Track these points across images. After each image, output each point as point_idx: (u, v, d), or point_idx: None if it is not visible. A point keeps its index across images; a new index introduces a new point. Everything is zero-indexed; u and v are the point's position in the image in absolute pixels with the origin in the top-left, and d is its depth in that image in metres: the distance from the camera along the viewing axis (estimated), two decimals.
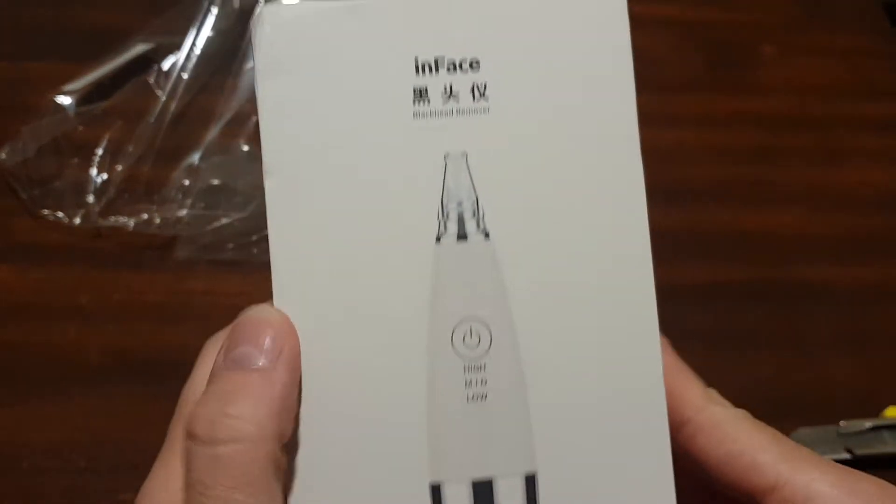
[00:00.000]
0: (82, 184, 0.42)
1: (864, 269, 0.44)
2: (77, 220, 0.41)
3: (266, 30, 0.20)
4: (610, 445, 0.19)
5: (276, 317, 0.19)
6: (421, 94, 0.20)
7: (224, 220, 0.41)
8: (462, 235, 0.19)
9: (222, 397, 0.18)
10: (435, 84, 0.20)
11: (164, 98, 0.44)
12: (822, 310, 0.42)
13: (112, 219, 0.41)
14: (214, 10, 0.46)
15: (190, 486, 0.17)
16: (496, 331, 0.19)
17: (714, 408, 0.21)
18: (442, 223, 0.19)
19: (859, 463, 0.37)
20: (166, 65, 0.45)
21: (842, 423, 0.38)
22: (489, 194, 0.20)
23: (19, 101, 0.44)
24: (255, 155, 0.43)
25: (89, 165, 0.42)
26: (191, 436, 0.18)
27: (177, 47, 0.46)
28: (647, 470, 0.19)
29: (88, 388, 0.38)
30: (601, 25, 0.21)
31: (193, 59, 0.45)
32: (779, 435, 0.21)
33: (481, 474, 0.19)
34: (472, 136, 0.20)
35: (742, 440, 0.20)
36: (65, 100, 0.44)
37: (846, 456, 0.37)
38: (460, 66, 0.20)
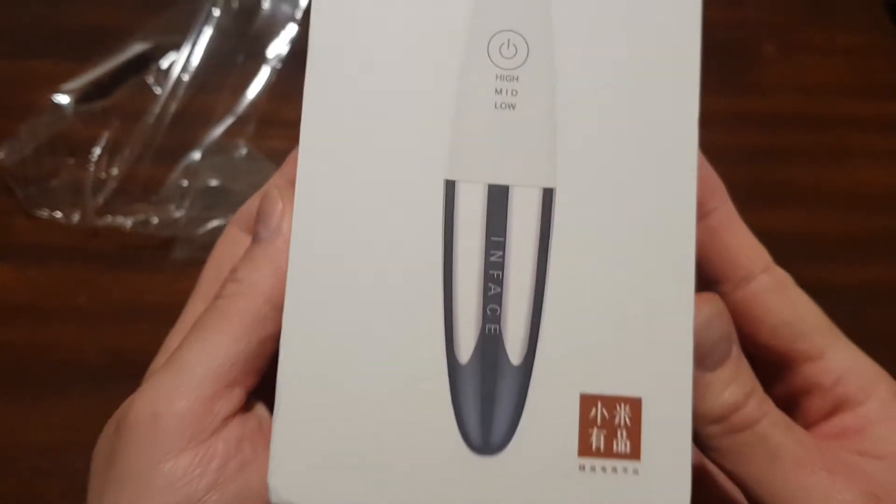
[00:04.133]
0: (80, 183, 0.42)
1: (865, 269, 0.44)
2: (74, 220, 0.41)
3: None
4: (636, 173, 0.19)
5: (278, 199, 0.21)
6: None
7: (222, 221, 0.41)
8: None
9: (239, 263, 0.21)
10: None
11: (162, 98, 0.44)
12: (823, 309, 0.42)
13: (109, 218, 0.41)
14: (214, 10, 0.46)
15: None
16: (534, 46, 0.19)
17: (762, 277, 0.24)
18: None
19: None
20: (165, 64, 0.45)
21: None
22: None
23: (17, 99, 0.44)
24: (254, 155, 0.43)
25: (87, 165, 0.42)
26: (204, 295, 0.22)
27: (176, 47, 0.45)
28: (671, 196, 0.19)
29: (86, 388, 0.38)
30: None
31: (193, 59, 0.45)
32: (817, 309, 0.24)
33: (498, 180, 0.19)
34: None
35: (787, 311, 0.24)
36: (63, 99, 0.43)
37: None
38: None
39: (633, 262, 0.19)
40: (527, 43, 0.19)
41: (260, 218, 0.21)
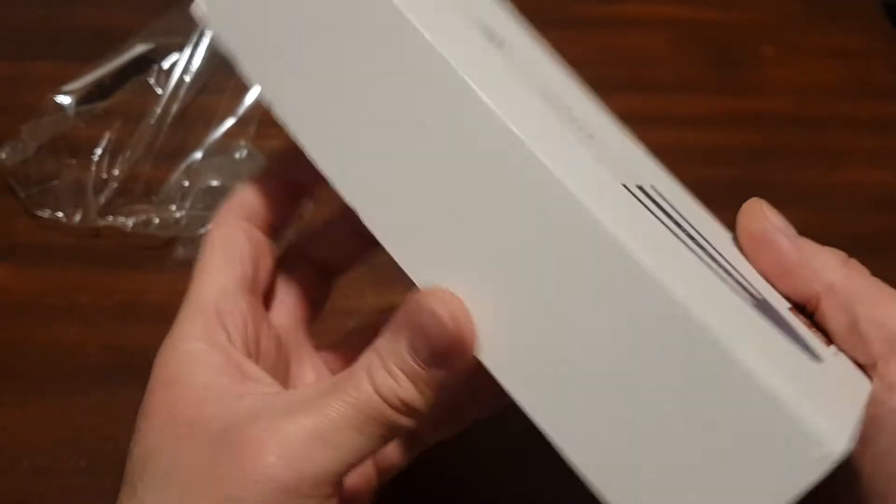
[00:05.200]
0: (82, 183, 0.42)
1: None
2: (76, 220, 0.41)
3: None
4: None
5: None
6: None
7: None
8: None
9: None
10: None
11: (164, 98, 0.44)
12: None
13: (111, 219, 0.41)
14: None
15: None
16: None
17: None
18: None
19: None
20: (167, 65, 0.45)
21: None
22: None
23: (19, 100, 0.44)
24: (255, 156, 0.43)
25: (89, 165, 0.42)
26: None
27: (178, 48, 0.46)
28: None
29: (88, 388, 0.38)
30: None
31: (194, 60, 0.45)
32: None
33: (634, 181, 0.21)
34: None
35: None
36: (64, 99, 0.44)
37: None
38: None
39: None
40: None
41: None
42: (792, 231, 0.23)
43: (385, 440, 0.20)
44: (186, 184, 0.42)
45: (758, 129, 0.49)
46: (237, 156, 0.43)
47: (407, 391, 0.19)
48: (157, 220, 0.41)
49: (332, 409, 0.19)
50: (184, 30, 0.46)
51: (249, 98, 0.45)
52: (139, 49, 0.45)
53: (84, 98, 0.44)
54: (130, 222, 0.41)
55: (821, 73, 0.51)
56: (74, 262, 0.41)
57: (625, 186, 0.20)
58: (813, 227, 0.45)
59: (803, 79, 0.51)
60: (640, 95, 0.49)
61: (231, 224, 0.24)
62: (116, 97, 0.45)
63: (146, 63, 0.46)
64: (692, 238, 0.20)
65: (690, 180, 0.48)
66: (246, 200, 0.24)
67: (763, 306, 0.19)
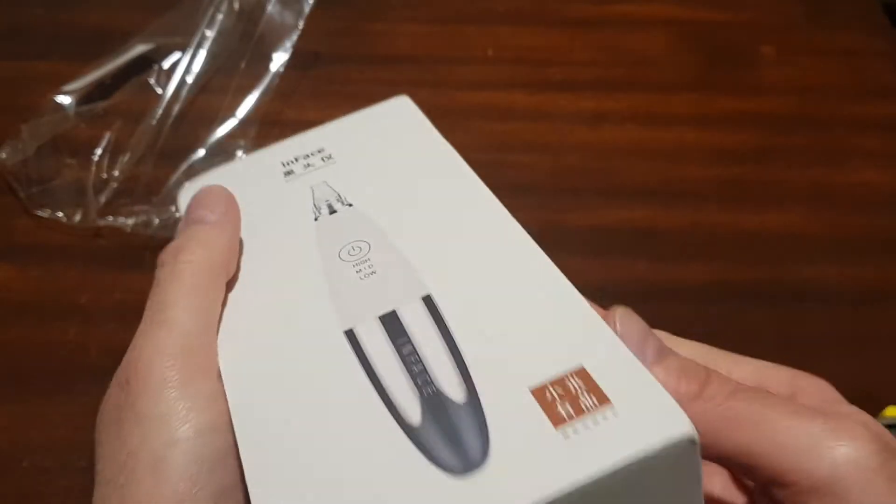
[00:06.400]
0: (82, 183, 0.42)
1: (864, 269, 0.44)
2: (76, 220, 0.41)
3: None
4: (478, 253, 0.24)
5: (222, 191, 0.26)
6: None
7: None
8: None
9: (183, 240, 0.24)
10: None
11: (165, 99, 0.44)
12: (822, 310, 0.42)
13: (111, 219, 0.41)
14: (215, 11, 0.46)
15: (149, 303, 0.23)
16: (375, 244, 0.25)
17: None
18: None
19: None
20: (167, 65, 0.45)
21: None
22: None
23: (19, 100, 0.44)
24: None
25: (89, 165, 0.43)
26: (159, 264, 0.24)
27: (178, 48, 0.46)
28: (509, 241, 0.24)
29: (88, 388, 0.37)
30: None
31: (194, 60, 0.45)
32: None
33: (384, 310, 0.22)
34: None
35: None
36: (65, 99, 0.44)
37: None
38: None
39: (513, 288, 0.22)
40: (369, 245, 0.25)
41: (202, 205, 0.25)
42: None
43: None
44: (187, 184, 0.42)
45: (758, 129, 0.49)
46: (238, 156, 0.43)
47: None
48: (157, 221, 0.41)
49: None
50: (184, 30, 0.46)
51: (250, 99, 0.45)
52: (139, 49, 0.45)
53: (84, 98, 0.44)
54: (130, 222, 0.41)
55: (821, 73, 0.51)
56: (74, 262, 0.41)
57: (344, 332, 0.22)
58: (813, 227, 0.46)
59: (803, 79, 0.51)
60: (640, 95, 0.49)
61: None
62: (116, 97, 0.45)
63: (146, 63, 0.46)
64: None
65: (691, 180, 0.48)
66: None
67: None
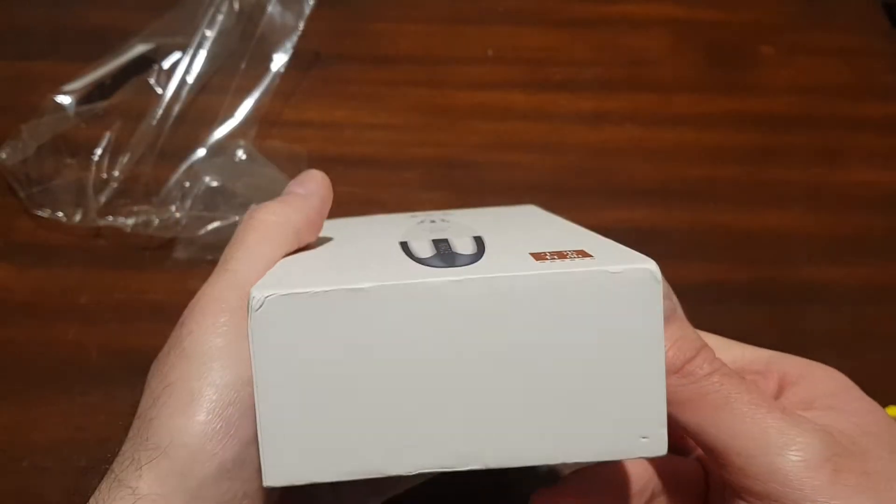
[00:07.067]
0: (82, 183, 0.42)
1: (864, 269, 0.44)
2: (76, 220, 0.41)
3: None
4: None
5: (317, 173, 0.28)
6: None
7: (223, 222, 0.41)
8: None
9: (268, 203, 0.26)
10: None
11: (165, 99, 0.44)
12: (822, 310, 0.43)
13: (111, 219, 0.41)
14: (215, 11, 0.46)
15: (224, 252, 0.24)
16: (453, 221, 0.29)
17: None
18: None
19: None
20: (167, 65, 0.45)
21: None
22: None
23: (19, 100, 0.44)
24: (256, 157, 0.43)
25: (89, 165, 0.43)
26: (248, 217, 0.25)
27: (178, 48, 0.46)
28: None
29: (88, 388, 0.38)
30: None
31: (194, 60, 0.45)
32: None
33: (439, 237, 0.25)
34: None
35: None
36: (64, 99, 0.44)
37: None
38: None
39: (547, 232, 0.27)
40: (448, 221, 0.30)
41: (298, 182, 0.27)
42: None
43: None
44: (187, 184, 0.42)
45: (758, 129, 0.49)
46: (238, 156, 0.43)
47: None
48: (157, 221, 0.41)
49: None
50: (184, 30, 0.46)
51: (250, 99, 0.45)
52: (139, 49, 0.45)
53: (84, 98, 0.44)
54: (130, 222, 0.41)
55: (821, 73, 0.51)
56: (74, 262, 0.41)
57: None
58: (813, 227, 0.46)
59: (803, 79, 0.51)
60: (640, 95, 0.49)
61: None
62: (116, 97, 0.45)
63: (146, 63, 0.46)
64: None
65: (691, 180, 0.48)
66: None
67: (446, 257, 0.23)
